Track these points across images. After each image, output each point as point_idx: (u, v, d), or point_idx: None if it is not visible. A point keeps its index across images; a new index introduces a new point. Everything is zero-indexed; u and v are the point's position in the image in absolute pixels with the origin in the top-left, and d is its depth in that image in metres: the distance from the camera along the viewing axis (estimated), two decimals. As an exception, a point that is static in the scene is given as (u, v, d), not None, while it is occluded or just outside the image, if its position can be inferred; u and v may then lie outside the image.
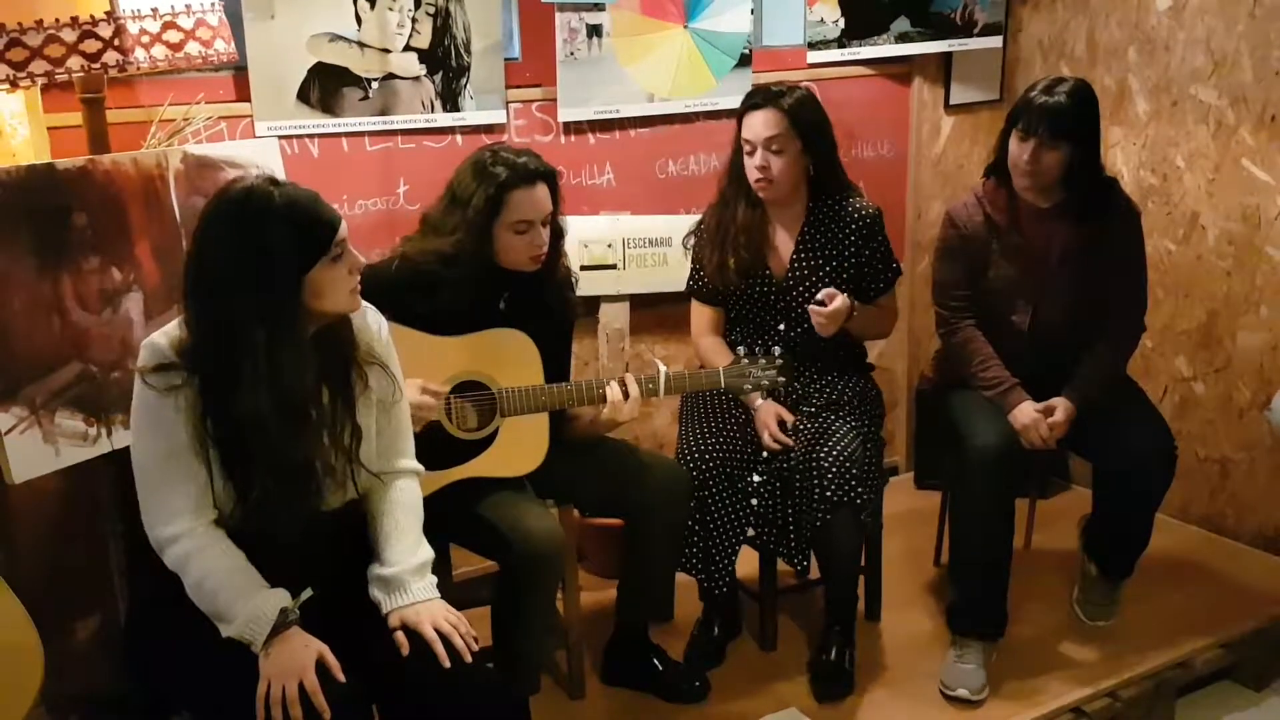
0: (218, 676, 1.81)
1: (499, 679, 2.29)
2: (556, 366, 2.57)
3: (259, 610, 1.78)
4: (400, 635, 1.88)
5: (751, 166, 2.67)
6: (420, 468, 2.13)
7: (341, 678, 1.78)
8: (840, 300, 2.63)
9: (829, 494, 2.54)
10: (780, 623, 2.89)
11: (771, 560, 2.81)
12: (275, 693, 1.72)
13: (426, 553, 2.01)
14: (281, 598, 1.81)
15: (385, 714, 1.97)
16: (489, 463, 2.42)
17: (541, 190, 2.40)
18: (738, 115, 2.72)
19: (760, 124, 2.64)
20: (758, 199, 2.74)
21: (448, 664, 1.84)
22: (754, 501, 2.64)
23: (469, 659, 1.87)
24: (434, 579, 1.99)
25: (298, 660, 1.76)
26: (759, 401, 2.70)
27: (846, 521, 2.61)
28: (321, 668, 1.77)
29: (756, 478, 2.64)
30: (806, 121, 2.67)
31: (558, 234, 2.51)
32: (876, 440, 2.75)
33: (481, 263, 2.40)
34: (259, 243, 1.76)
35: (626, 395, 2.44)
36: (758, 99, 2.68)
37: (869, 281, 2.79)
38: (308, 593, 1.86)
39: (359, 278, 1.89)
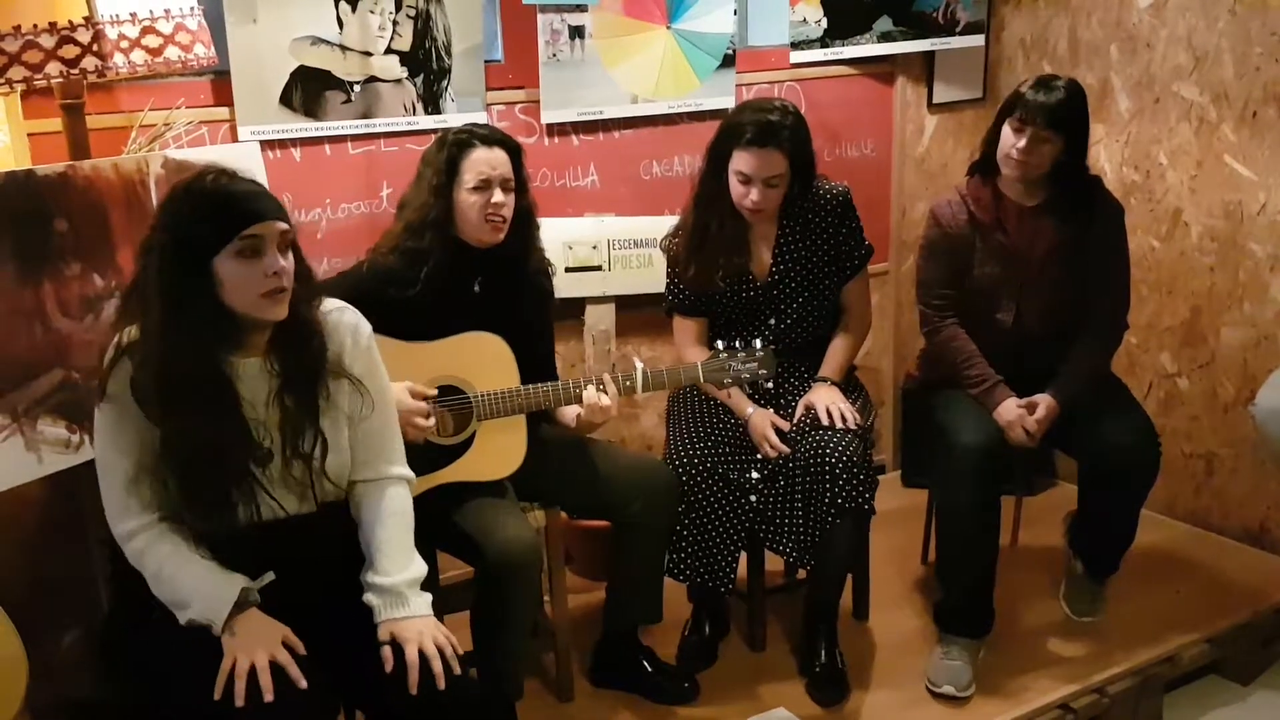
0: (199, 680, 1.78)
1: (487, 687, 2.30)
2: (538, 357, 2.58)
3: (219, 591, 1.78)
4: (387, 651, 1.86)
5: (744, 195, 2.61)
6: (411, 475, 2.10)
7: (303, 651, 1.78)
8: (821, 395, 2.69)
9: (840, 499, 2.54)
10: (768, 622, 2.89)
11: (760, 560, 2.81)
12: (242, 666, 1.71)
13: (421, 567, 2.00)
14: (242, 579, 1.81)
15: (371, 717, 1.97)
16: (468, 467, 2.42)
17: (499, 153, 2.44)
18: (729, 142, 2.62)
19: (762, 164, 2.57)
20: (739, 213, 2.69)
21: (414, 691, 1.81)
22: (753, 498, 2.64)
23: (441, 685, 1.83)
24: (429, 596, 1.97)
25: (264, 636, 1.76)
26: (749, 410, 2.70)
27: (854, 527, 2.64)
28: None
29: (755, 474, 2.64)
30: (802, 155, 2.64)
31: (529, 216, 2.53)
32: (869, 442, 2.76)
33: (447, 235, 2.44)
34: (171, 220, 1.78)
35: (604, 394, 2.45)
36: (758, 137, 2.56)
37: (845, 260, 2.78)
38: (269, 576, 1.84)
39: (279, 284, 1.82)
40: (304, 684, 1.73)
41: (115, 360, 1.82)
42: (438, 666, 1.84)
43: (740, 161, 2.60)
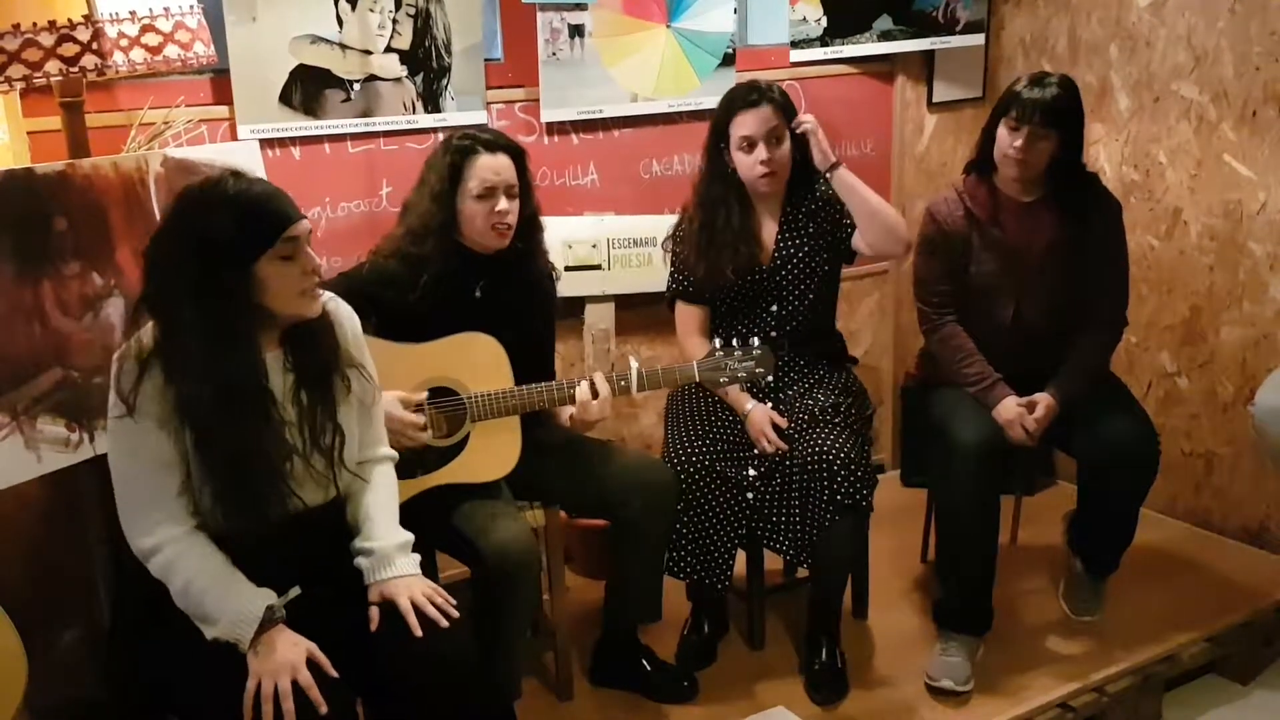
0: (204, 679, 1.80)
1: (489, 681, 2.30)
2: (538, 360, 2.57)
3: (245, 609, 1.78)
4: (374, 611, 1.91)
5: (755, 162, 2.67)
6: (394, 453, 2.16)
7: (334, 673, 1.79)
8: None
9: (839, 496, 2.55)
10: (767, 621, 2.89)
11: (759, 559, 2.81)
12: (266, 688, 1.72)
13: (407, 534, 2.04)
14: (267, 596, 1.81)
15: (372, 714, 1.97)
16: (462, 468, 2.42)
17: (503, 159, 2.43)
18: (722, 118, 2.72)
19: (760, 119, 2.66)
20: (745, 197, 2.75)
21: (419, 633, 1.87)
22: (749, 495, 2.64)
23: (445, 624, 1.89)
24: (417, 557, 2.01)
25: (288, 656, 1.76)
26: (749, 406, 2.71)
27: (852, 524, 2.64)
28: (311, 665, 1.77)
29: (752, 471, 2.65)
30: (791, 112, 2.72)
31: (534, 221, 2.54)
32: (868, 440, 2.76)
33: (450, 241, 2.44)
34: (203, 229, 1.77)
35: (596, 394, 2.44)
36: (750, 96, 2.69)
37: (845, 245, 2.80)
38: (295, 591, 1.85)
39: (315, 281, 1.87)
40: (324, 709, 1.74)
41: (141, 373, 1.80)
42: (432, 611, 1.90)
43: (740, 127, 2.67)
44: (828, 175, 2.72)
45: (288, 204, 1.84)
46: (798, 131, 2.72)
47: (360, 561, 1.97)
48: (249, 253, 1.79)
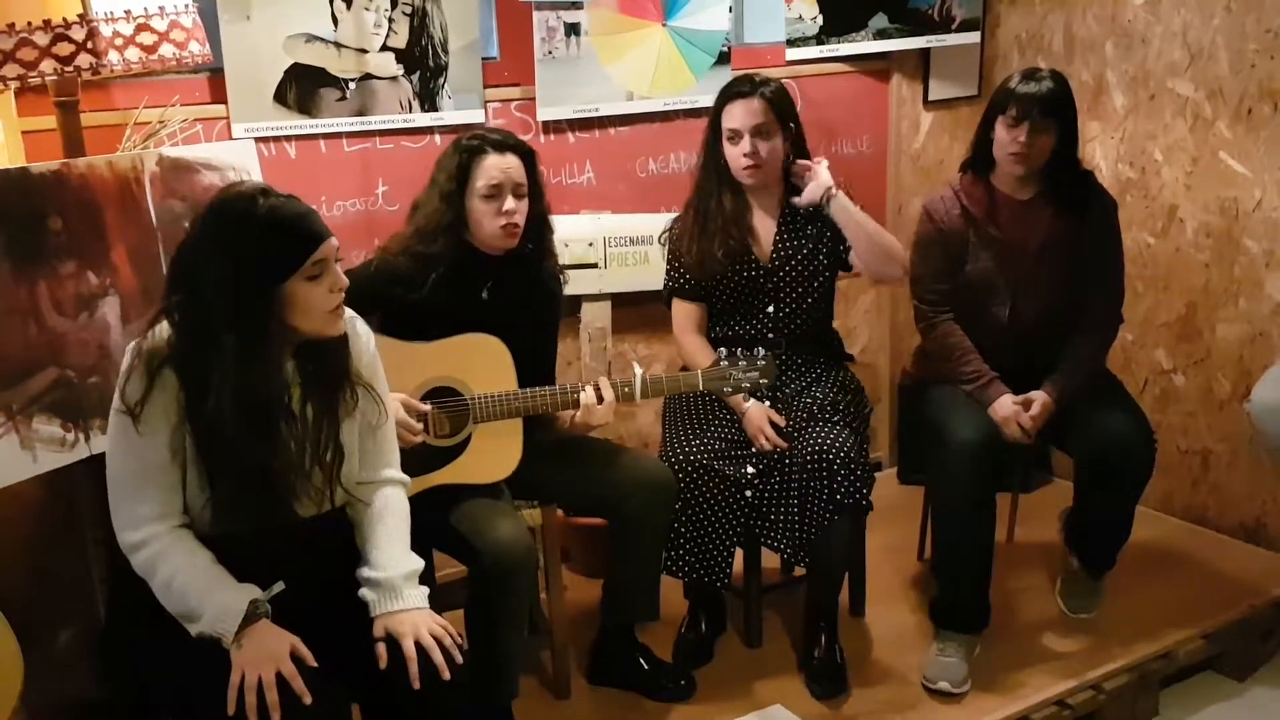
0: (199, 679, 1.79)
1: (483, 685, 2.30)
2: (539, 363, 2.57)
3: (229, 603, 1.78)
4: (381, 648, 1.87)
5: (738, 154, 2.69)
6: (406, 479, 2.13)
7: (314, 663, 1.78)
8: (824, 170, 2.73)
9: (838, 495, 2.55)
10: (765, 619, 2.89)
11: (757, 557, 2.81)
12: (250, 679, 1.72)
13: (417, 561, 2.01)
14: (251, 591, 1.81)
15: (369, 715, 1.97)
16: (462, 469, 2.41)
17: (512, 159, 2.43)
18: (716, 106, 2.75)
19: (747, 112, 2.67)
20: (738, 187, 2.76)
21: (417, 685, 1.83)
22: (748, 493, 2.64)
23: (446, 676, 1.85)
24: (425, 589, 1.98)
25: (271, 649, 1.76)
26: (746, 404, 2.71)
27: (851, 523, 2.65)
28: (296, 660, 1.77)
29: (750, 469, 2.65)
30: (786, 109, 2.73)
31: (543, 222, 2.54)
32: (866, 438, 2.76)
33: (458, 241, 2.44)
34: (233, 248, 1.78)
35: (601, 399, 2.44)
36: (742, 88, 2.70)
37: (846, 251, 2.80)
38: (279, 586, 1.85)
39: (341, 299, 1.88)
40: (308, 699, 1.73)
41: (150, 377, 1.80)
42: (438, 657, 1.86)
43: (729, 118, 2.70)
44: (826, 202, 2.70)
45: (317, 223, 1.85)
46: (792, 177, 2.74)
47: (365, 593, 1.94)
48: (278, 273, 1.80)
